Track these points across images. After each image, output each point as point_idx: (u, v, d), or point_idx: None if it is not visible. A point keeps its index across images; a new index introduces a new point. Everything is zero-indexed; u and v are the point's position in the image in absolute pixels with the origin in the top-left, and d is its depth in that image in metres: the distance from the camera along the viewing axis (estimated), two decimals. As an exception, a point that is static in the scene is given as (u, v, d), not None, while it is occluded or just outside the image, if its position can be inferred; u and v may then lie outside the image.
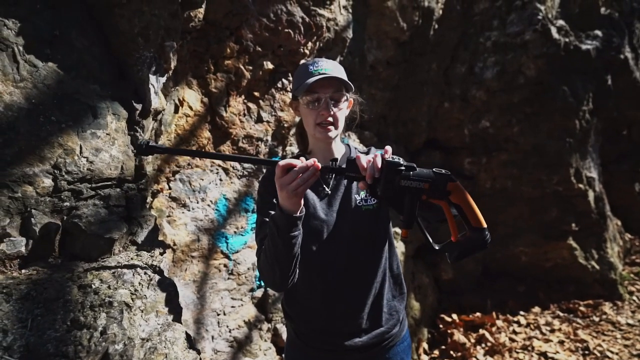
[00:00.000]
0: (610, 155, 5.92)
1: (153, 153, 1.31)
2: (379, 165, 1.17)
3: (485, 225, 1.19)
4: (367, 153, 1.58)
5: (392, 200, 1.18)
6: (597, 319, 4.42)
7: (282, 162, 1.18)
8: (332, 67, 1.46)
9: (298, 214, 1.23)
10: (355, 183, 1.53)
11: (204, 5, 2.02)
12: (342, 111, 1.50)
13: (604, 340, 4.03)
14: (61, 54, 1.51)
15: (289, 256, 1.27)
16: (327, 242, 1.46)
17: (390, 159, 1.17)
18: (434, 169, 1.19)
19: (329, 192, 1.51)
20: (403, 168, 1.16)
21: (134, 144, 1.76)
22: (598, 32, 5.05)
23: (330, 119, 1.44)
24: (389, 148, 1.23)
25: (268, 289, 2.87)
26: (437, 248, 1.25)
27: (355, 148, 1.65)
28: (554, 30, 4.60)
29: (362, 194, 1.51)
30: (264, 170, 2.73)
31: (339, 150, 1.57)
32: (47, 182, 1.42)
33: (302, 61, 2.73)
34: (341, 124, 1.51)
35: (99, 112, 1.58)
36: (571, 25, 4.90)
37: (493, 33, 4.64)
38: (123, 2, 1.63)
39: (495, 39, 4.63)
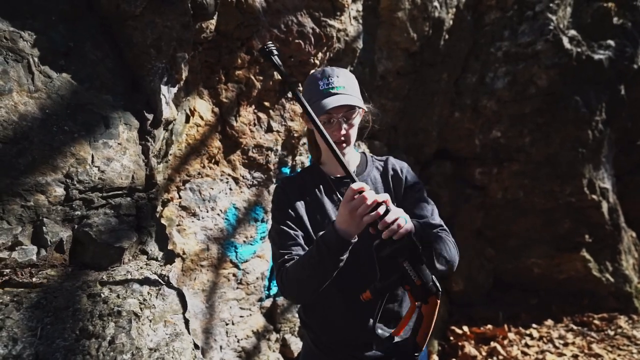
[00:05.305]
0: (625, 166, 5.82)
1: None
2: (402, 233, 1.13)
3: (423, 348, 1.23)
4: (384, 162, 1.58)
5: (383, 262, 1.18)
6: (612, 333, 4.32)
7: (355, 185, 1.16)
8: (344, 84, 1.42)
9: (353, 240, 1.22)
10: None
11: (215, 17, 2.04)
12: (355, 127, 1.49)
13: (619, 355, 3.93)
14: (75, 65, 1.54)
15: (332, 275, 1.27)
16: None
17: (414, 241, 1.14)
18: (433, 276, 1.20)
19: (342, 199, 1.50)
20: (416, 257, 1.15)
21: (145, 153, 1.77)
22: (611, 42, 5.00)
23: (343, 137, 1.43)
24: (387, 197, 1.17)
25: (282, 298, 2.86)
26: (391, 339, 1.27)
27: (372, 156, 1.62)
28: (565, 40, 4.57)
29: None
30: (274, 180, 2.74)
31: (353, 160, 1.55)
32: (59, 191, 1.43)
33: (312, 72, 2.73)
34: (354, 137, 1.49)
35: (111, 122, 1.60)
36: (583, 35, 4.87)
37: (504, 43, 4.63)
38: (136, 14, 1.66)
39: (506, 49, 4.62)
